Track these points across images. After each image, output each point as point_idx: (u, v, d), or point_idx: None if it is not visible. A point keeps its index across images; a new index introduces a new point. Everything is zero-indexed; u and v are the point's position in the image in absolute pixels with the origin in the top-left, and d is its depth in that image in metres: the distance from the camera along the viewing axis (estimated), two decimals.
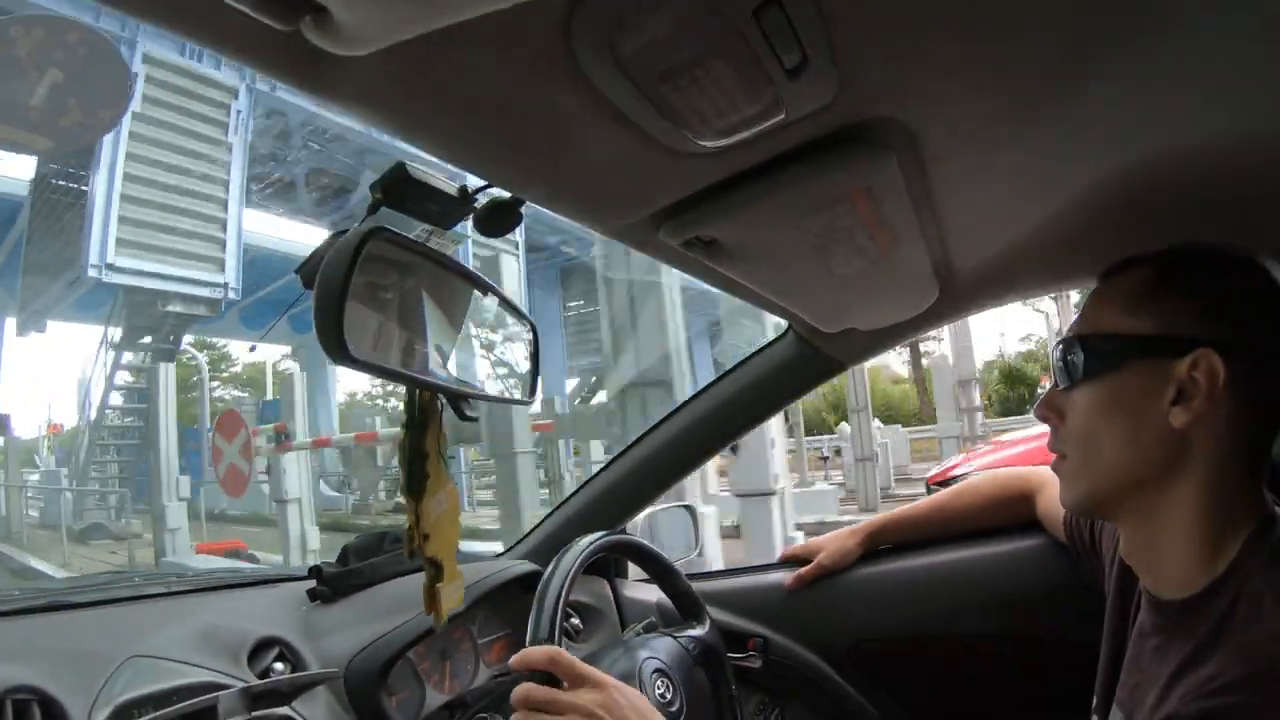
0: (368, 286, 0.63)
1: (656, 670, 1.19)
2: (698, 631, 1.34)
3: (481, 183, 0.70)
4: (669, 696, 1.17)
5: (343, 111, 0.55)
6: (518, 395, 0.81)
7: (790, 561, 1.61)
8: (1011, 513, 1.47)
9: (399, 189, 0.67)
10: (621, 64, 0.52)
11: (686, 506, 1.78)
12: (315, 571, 1.41)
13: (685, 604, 1.40)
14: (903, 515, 1.58)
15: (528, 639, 1.08)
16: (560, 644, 1.05)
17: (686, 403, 1.59)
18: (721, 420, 1.57)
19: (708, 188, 0.75)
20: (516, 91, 0.57)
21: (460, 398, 0.73)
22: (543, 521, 1.69)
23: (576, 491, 1.66)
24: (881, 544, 1.56)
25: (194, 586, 1.50)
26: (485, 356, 0.78)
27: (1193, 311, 0.82)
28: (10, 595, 1.44)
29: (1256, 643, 0.73)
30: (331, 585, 1.39)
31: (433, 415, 0.73)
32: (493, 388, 0.78)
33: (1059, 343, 0.91)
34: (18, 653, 1.03)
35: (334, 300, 0.59)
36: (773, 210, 0.79)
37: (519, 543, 1.68)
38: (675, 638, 1.30)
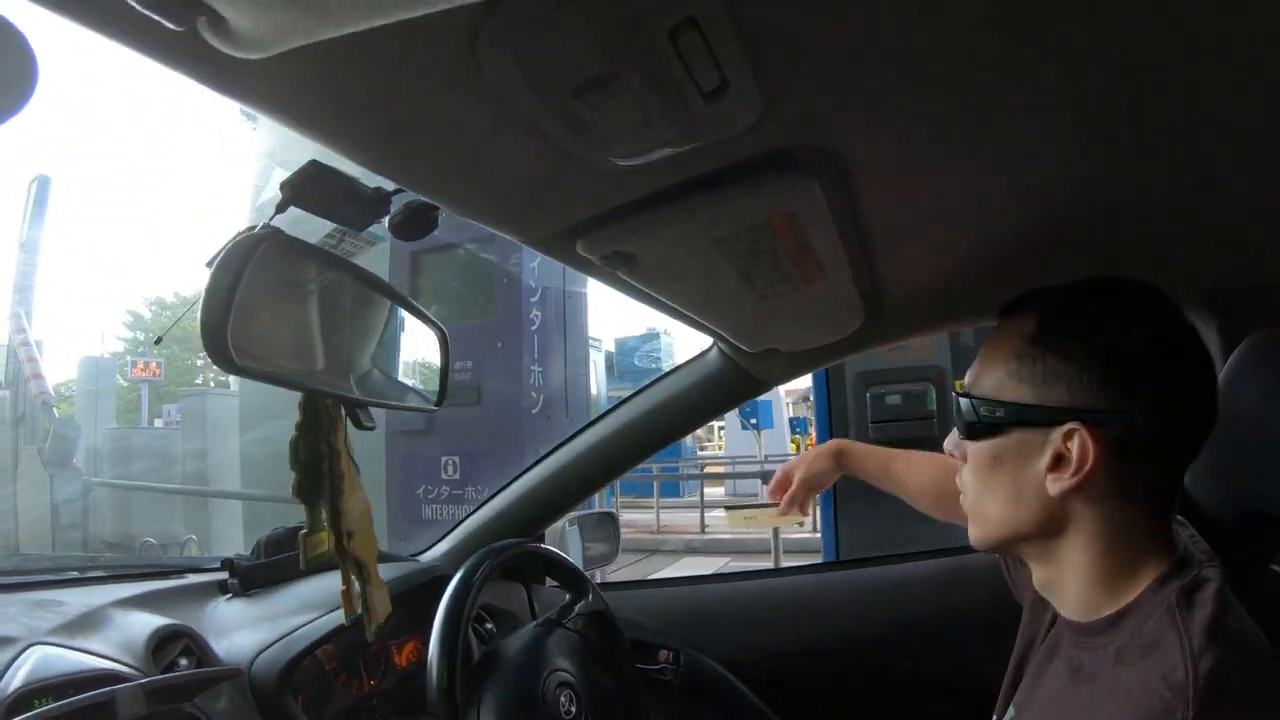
0: (265, 291, 0.61)
1: (561, 684, 1.21)
2: (581, 604, 1.35)
3: (396, 186, 0.69)
4: (574, 711, 1.19)
5: (251, 108, 0.53)
6: (425, 403, 0.80)
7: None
8: (949, 510, 1.37)
9: (310, 187, 0.65)
10: (531, 77, 0.51)
11: (608, 513, 1.79)
12: (228, 564, 1.39)
13: (571, 582, 1.41)
14: (867, 450, 1.47)
15: (430, 647, 1.10)
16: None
17: (609, 411, 1.59)
18: (643, 431, 1.57)
19: (626, 204, 0.75)
20: (424, 102, 0.56)
21: (359, 405, 0.72)
22: (458, 525, 1.68)
23: (493, 496, 1.65)
24: (847, 467, 1.46)
25: (104, 573, 1.47)
26: (390, 363, 0.77)
27: (1069, 376, 0.81)
28: None
29: (1149, 685, 0.73)
30: (243, 579, 1.37)
31: (336, 419, 0.72)
32: (397, 395, 0.77)
33: (955, 394, 0.91)
34: None
35: (221, 305, 0.57)
36: (692, 230, 0.78)
37: (433, 545, 1.67)
38: (564, 625, 1.31)
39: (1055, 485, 0.81)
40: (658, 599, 1.74)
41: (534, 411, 6.33)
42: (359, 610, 0.83)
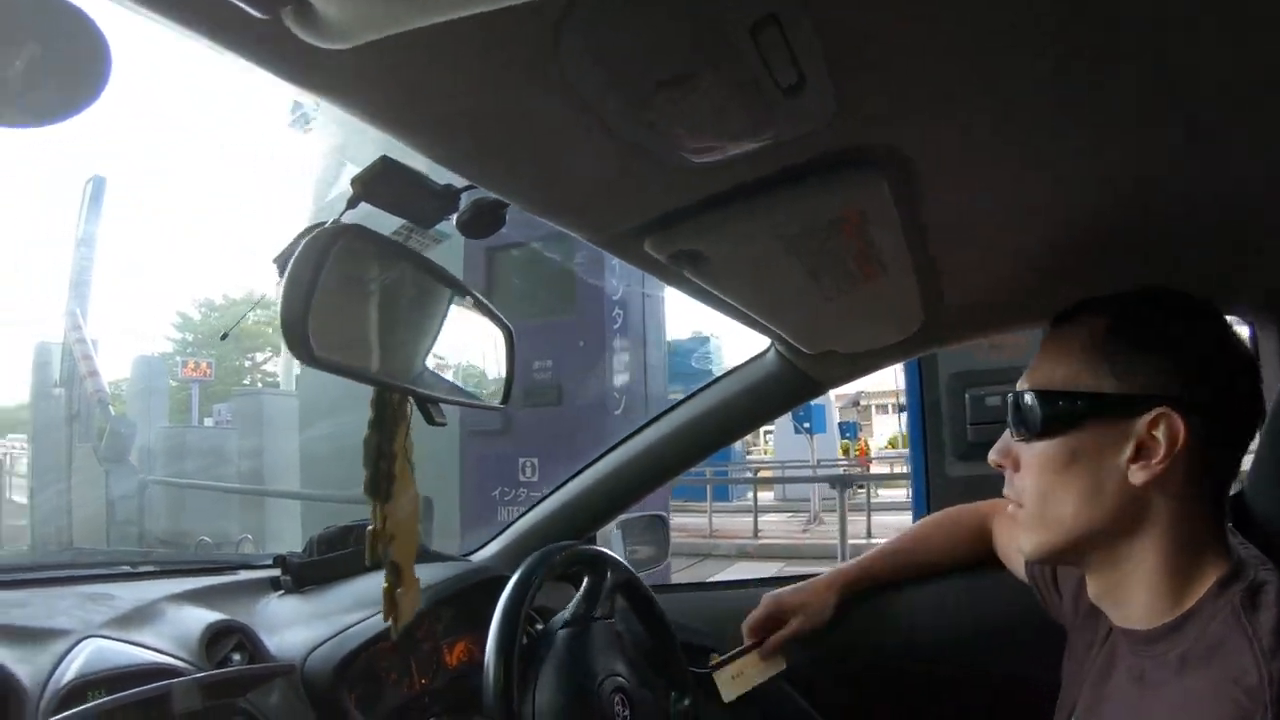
0: (340, 285, 0.61)
1: (616, 688, 1.21)
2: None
3: (466, 182, 0.69)
4: (626, 715, 1.20)
5: (327, 101, 0.53)
6: (492, 400, 0.79)
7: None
8: (971, 552, 1.44)
9: (381, 183, 0.65)
10: (610, 73, 0.51)
11: (658, 516, 1.77)
12: (280, 561, 1.40)
13: (651, 626, 1.41)
14: (869, 564, 1.52)
15: (487, 650, 1.10)
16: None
17: (664, 413, 1.58)
18: (697, 434, 1.56)
19: (696, 202, 0.74)
20: (502, 96, 0.56)
21: (431, 401, 0.72)
22: (509, 525, 1.68)
23: (546, 497, 1.64)
24: (852, 595, 1.49)
25: (157, 568, 1.49)
26: (459, 360, 0.76)
27: (1150, 366, 0.82)
28: None
29: (1221, 690, 0.73)
30: (296, 575, 1.38)
31: (402, 418, 0.72)
32: (466, 392, 0.77)
33: (1015, 392, 0.90)
34: None
35: (301, 298, 0.58)
36: (760, 229, 0.78)
37: (485, 545, 1.67)
38: (617, 627, 1.32)
39: (1141, 474, 0.81)
40: (709, 602, 1.73)
41: (616, 412, 6.20)
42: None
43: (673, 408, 1.58)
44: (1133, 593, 0.85)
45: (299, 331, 0.58)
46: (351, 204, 0.64)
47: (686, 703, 1.37)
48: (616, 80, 0.52)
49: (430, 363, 0.72)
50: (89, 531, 9.57)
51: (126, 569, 1.41)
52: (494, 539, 1.67)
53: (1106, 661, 0.92)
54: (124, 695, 0.96)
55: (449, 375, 0.74)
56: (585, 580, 1.34)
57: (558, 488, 1.64)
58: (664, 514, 1.78)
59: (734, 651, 1.45)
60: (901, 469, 13.14)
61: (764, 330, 1.21)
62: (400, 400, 0.71)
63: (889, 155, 0.70)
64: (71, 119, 0.49)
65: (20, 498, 12.82)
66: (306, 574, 1.39)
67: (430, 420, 0.72)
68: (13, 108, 0.48)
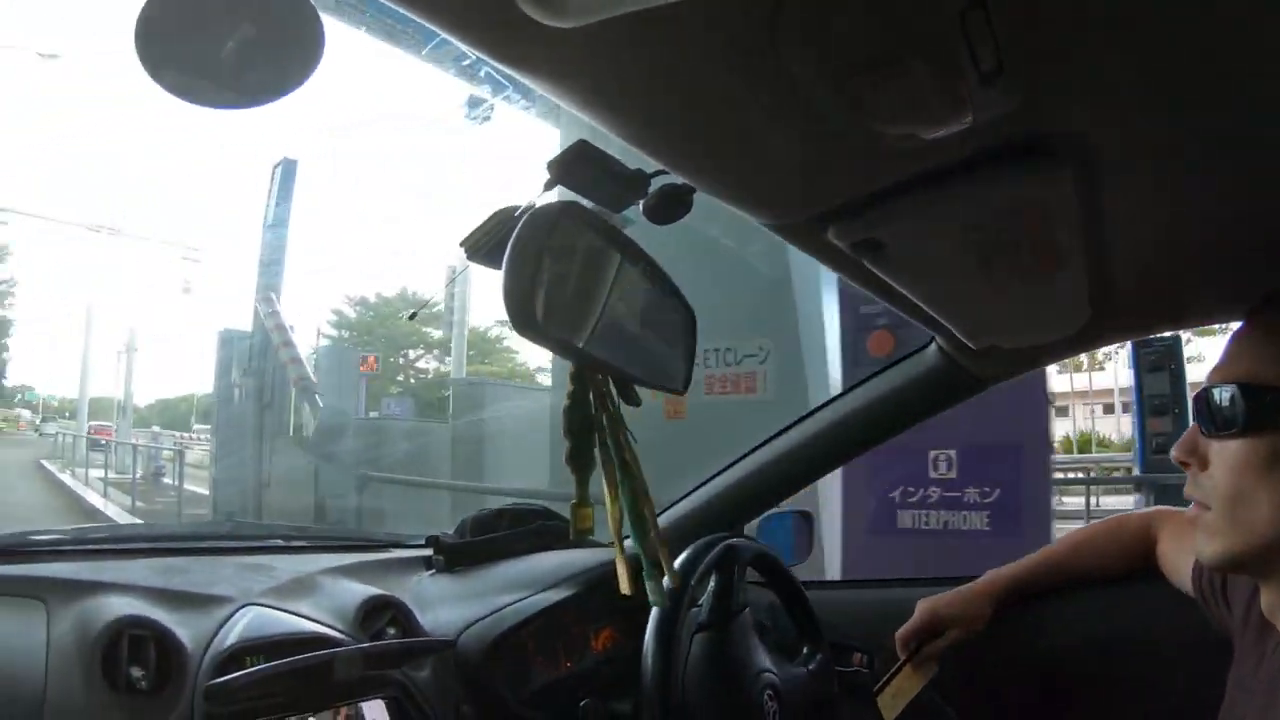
0: (558, 261, 0.62)
1: (766, 685, 1.21)
2: (811, 666, 1.34)
3: (658, 167, 0.70)
4: (776, 710, 1.20)
5: (535, 83, 0.56)
6: (675, 384, 0.79)
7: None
8: (1130, 562, 1.38)
9: (576, 166, 0.66)
10: (822, 56, 0.52)
11: (803, 512, 1.75)
12: (433, 540, 1.46)
13: (805, 629, 1.41)
14: (1025, 571, 1.48)
15: (647, 638, 1.12)
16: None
17: (819, 408, 1.57)
18: (853, 430, 1.54)
19: (883, 189, 0.75)
20: (713, 77, 0.57)
21: (629, 382, 0.73)
22: (662, 513, 1.67)
23: (699, 487, 1.65)
24: (1008, 604, 1.46)
25: (312, 542, 1.56)
26: (649, 342, 0.77)
27: None
28: (131, 534, 1.51)
29: None
30: (449, 555, 1.43)
31: (604, 393, 0.72)
32: (652, 375, 0.77)
33: (1209, 386, 0.85)
34: (137, 589, 1.08)
35: (528, 271, 0.59)
36: (943, 217, 0.78)
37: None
38: (767, 621, 1.33)
39: None
40: (855, 600, 1.72)
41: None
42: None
43: (828, 403, 1.57)
44: None
45: (526, 303, 0.59)
46: (547, 186, 0.66)
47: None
48: (830, 61, 0.53)
49: (626, 341, 0.73)
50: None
51: (279, 542, 1.50)
52: None
53: (1272, 676, 0.88)
54: (290, 661, 1.01)
55: (639, 356, 0.75)
56: (738, 573, 1.33)
57: (705, 481, 1.64)
58: (810, 510, 1.75)
59: (892, 671, 1.43)
60: None
61: (929, 324, 1.20)
62: (603, 378, 0.72)
63: (1075, 144, 0.69)
64: (278, 101, 0.51)
65: (198, 488, 12.81)
66: (459, 554, 1.44)
67: (629, 400, 0.73)
68: (223, 88, 0.51)
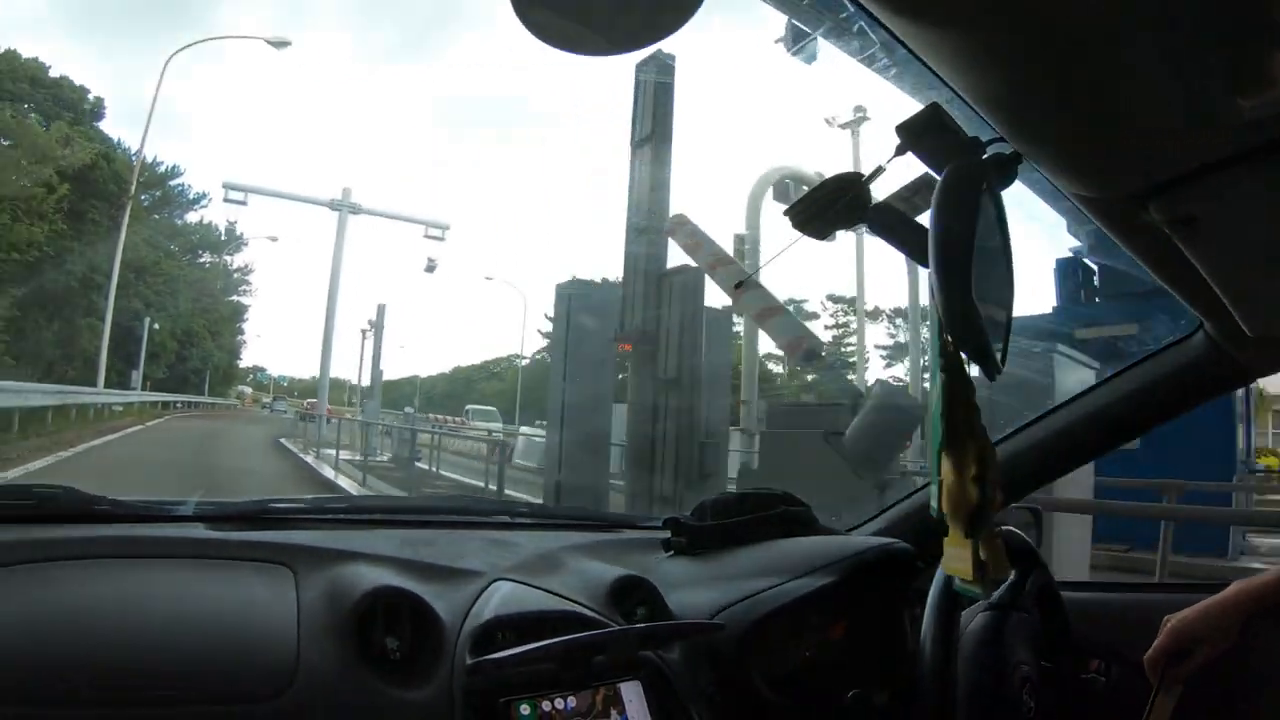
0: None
1: (1024, 678, 1.17)
2: (1033, 574, 1.31)
3: (993, 135, 0.68)
4: (1032, 706, 1.15)
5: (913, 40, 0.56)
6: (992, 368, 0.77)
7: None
8: None
9: (926, 132, 0.65)
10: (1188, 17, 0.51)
11: (1031, 508, 1.67)
12: (671, 522, 1.47)
13: (1056, 629, 1.36)
14: (1275, 582, 1.36)
15: (924, 626, 1.11)
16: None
17: (1078, 396, 1.50)
18: (1109, 421, 1.47)
19: (1217, 161, 0.70)
20: (1077, 48, 0.56)
21: (987, 357, 0.69)
22: (897, 503, 1.65)
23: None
24: (1258, 618, 1.35)
25: (546, 519, 1.61)
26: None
27: None
28: (371, 505, 1.59)
29: None
30: (691, 538, 1.44)
31: (961, 366, 0.71)
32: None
33: None
34: (387, 560, 1.13)
35: (964, 241, 0.59)
36: (1261, 192, 0.74)
37: (866, 521, 1.65)
38: (1021, 608, 1.26)
39: None
40: (1093, 603, 1.63)
41: None
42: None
43: (1084, 393, 1.50)
44: None
45: (964, 278, 0.59)
46: (899, 151, 0.65)
47: None
48: (1194, 24, 0.51)
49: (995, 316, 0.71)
50: None
51: (513, 519, 1.53)
52: (875, 517, 1.65)
53: None
54: (563, 640, 1.02)
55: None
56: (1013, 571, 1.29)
57: None
58: (1038, 507, 1.67)
59: (1150, 703, 1.34)
60: None
61: (1209, 309, 1.12)
62: (958, 351, 0.71)
63: None
64: (650, 47, 0.50)
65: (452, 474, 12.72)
66: (700, 537, 1.44)
67: (991, 375, 0.70)
68: (596, 34, 0.50)
